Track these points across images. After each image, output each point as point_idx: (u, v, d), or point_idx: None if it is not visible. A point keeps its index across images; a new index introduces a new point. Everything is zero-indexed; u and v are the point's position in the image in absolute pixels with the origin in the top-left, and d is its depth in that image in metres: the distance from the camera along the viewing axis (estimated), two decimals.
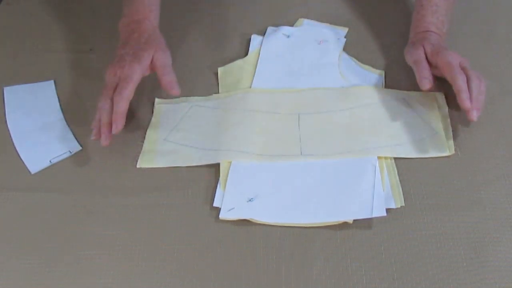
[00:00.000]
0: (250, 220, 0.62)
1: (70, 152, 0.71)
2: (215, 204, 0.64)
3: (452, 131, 0.69)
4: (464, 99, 0.65)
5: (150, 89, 0.77)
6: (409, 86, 0.74)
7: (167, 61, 0.71)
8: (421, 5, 0.76)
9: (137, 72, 0.68)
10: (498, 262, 0.58)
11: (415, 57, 0.71)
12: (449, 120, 0.70)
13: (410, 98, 0.73)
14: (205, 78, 0.79)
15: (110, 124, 0.66)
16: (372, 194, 0.63)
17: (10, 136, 0.73)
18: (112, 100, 0.67)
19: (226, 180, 0.66)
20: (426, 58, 0.71)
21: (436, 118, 0.70)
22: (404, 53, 0.75)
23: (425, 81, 0.68)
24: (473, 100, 0.65)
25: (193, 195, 0.65)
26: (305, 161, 0.67)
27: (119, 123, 0.66)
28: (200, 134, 0.71)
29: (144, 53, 0.69)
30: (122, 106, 0.66)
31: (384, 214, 0.60)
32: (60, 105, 0.76)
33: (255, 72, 0.78)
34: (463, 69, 0.68)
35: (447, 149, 0.67)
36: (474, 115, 0.65)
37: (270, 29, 0.85)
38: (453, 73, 0.67)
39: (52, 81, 0.80)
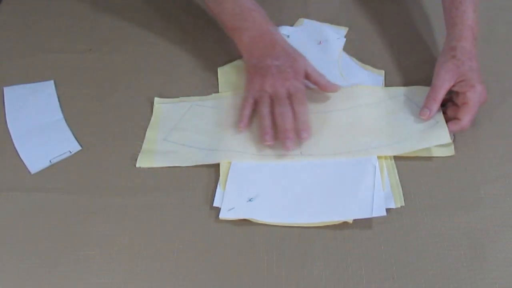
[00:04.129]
0: (250, 220, 0.62)
1: (70, 152, 0.71)
2: (215, 204, 0.64)
3: None
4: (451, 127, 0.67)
5: (149, 89, 0.77)
6: (409, 86, 0.74)
7: (314, 66, 0.73)
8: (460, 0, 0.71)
9: (302, 83, 0.71)
10: (498, 262, 0.58)
11: (437, 81, 0.68)
12: None
13: (411, 93, 0.73)
14: (205, 78, 0.79)
15: (293, 130, 0.68)
16: (372, 194, 0.63)
17: (10, 136, 0.73)
18: (291, 108, 0.68)
19: (226, 180, 0.66)
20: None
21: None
22: (437, 62, 0.70)
23: (425, 111, 0.68)
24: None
25: (193, 195, 0.65)
26: (305, 161, 0.67)
27: (309, 129, 0.68)
28: (199, 134, 0.71)
29: (300, 63, 0.71)
30: (307, 115, 0.69)
31: (384, 214, 0.60)
32: (60, 105, 0.76)
33: None
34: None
35: (448, 136, 0.66)
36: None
37: None
38: (465, 112, 0.66)
39: (52, 81, 0.80)
